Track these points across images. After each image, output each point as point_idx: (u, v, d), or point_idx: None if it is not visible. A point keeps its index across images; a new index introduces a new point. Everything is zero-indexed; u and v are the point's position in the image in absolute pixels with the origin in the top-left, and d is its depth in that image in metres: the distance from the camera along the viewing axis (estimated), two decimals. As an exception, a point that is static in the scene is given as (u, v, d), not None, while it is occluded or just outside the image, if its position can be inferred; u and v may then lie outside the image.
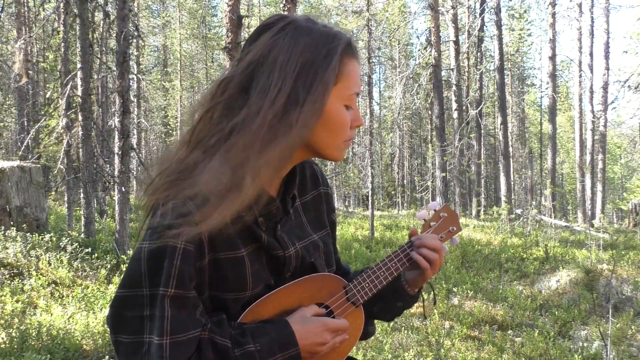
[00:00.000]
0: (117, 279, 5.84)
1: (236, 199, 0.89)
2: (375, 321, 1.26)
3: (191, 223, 0.88)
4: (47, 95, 13.51)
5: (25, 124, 16.20)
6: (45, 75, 19.15)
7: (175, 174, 0.94)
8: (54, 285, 5.39)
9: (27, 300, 4.82)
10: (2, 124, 18.51)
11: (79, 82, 8.54)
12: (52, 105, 11.50)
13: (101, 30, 11.73)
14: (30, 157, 12.06)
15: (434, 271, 1.13)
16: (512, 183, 24.82)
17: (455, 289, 6.59)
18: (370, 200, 11.69)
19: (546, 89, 29.47)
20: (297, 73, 0.92)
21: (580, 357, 4.35)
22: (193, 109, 1.01)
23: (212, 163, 0.91)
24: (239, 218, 0.95)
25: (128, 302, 0.90)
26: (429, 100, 21.08)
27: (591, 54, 20.92)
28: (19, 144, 15.21)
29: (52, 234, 6.93)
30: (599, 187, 20.46)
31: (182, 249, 0.88)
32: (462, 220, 14.58)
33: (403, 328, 5.06)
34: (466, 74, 22.10)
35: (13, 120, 19.25)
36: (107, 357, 3.67)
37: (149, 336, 0.88)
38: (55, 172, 12.26)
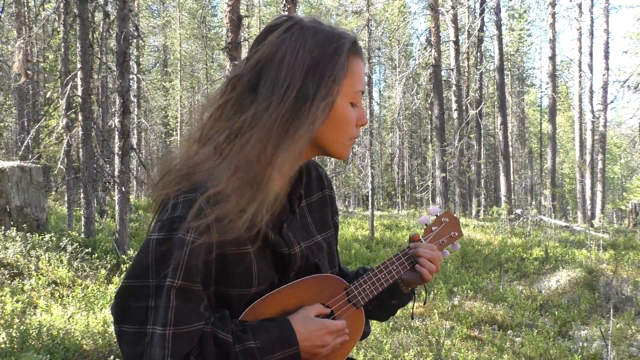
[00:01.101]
0: (117, 279, 5.85)
1: (262, 196, 0.92)
2: (373, 321, 1.27)
3: (210, 220, 0.90)
4: (47, 95, 13.50)
5: (25, 124, 16.19)
6: (45, 75, 19.14)
7: (186, 169, 0.95)
8: (54, 285, 5.40)
9: (27, 300, 4.82)
10: (2, 124, 18.48)
11: (79, 82, 8.53)
12: (52, 105, 11.50)
13: (101, 30, 11.71)
14: (30, 157, 12.05)
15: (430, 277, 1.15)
16: (512, 183, 24.82)
17: (455, 289, 6.59)
18: (370, 200, 11.69)
19: (546, 89, 29.51)
20: (305, 70, 0.95)
21: (580, 357, 4.35)
22: (203, 107, 1.03)
23: (226, 161, 0.93)
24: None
25: (134, 292, 0.91)
26: (429, 100, 21.10)
27: (591, 54, 20.93)
28: (19, 144, 15.21)
29: (52, 234, 6.93)
30: (599, 187, 20.47)
31: (190, 241, 0.89)
32: (462, 220, 14.57)
33: (403, 328, 5.06)
34: (466, 74, 22.10)
35: (13, 120, 19.24)
36: (112, 357, 3.67)
37: (153, 327, 0.89)
38: (55, 172, 12.26)
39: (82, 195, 8.66)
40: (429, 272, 1.12)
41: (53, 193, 15.20)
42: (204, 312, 0.93)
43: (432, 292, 6.39)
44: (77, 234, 7.77)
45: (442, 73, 17.89)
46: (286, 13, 5.97)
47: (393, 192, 30.30)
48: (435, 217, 1.24)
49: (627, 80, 19.79)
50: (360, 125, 1.05)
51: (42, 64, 17.26)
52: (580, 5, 21.29)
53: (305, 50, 0.96)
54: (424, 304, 1.39)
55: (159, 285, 0.89)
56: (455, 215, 1.27)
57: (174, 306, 0.88)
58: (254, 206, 0.91)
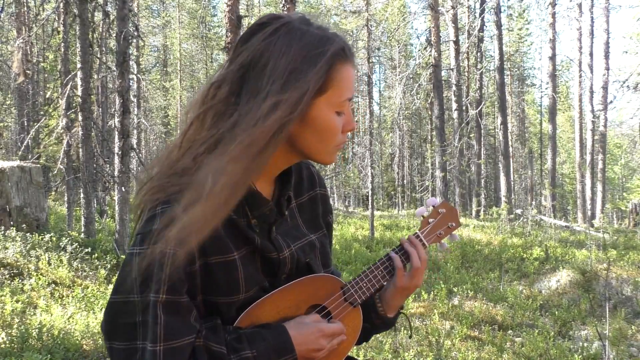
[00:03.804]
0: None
1: (207, 203, 0.86)
2: None
3: (177, 234, 0.86)
4: (47, 95, 13.51)
5: (25, 124, 16.19)
6: (45, 75, 19.14)
7: (165, 178, 0.93)
8: (54, 285, 5.39)
9: (27, 300, 4.82)
10: (2, 124, 18.48)
11: (79, 82, 8.53)
12: (52, 105, 11.50)
13: (101, 30, 11.72)
14: (30, 157, 12.05)
15: (417, 281, 1.13)
16: (512, 183, 24.81)
17: (455, 289, 6.59)
18: (370, 200, 11.69)
19: (546, 89, 29.49)
20: (285, 79, 0.90)
21: (580, 357, 4.35)
22: (186, 111, 1.00)
23: (201, 172, 0.90)
24: (230, 221, 0.94)
25: (120, 308, 0.89)
26: (429, 100, 21.10)
27: (591, 54, 20.92)
28: (19, 144, 15.20)
29: (52, 234, 6.93)
30: (599, 187, 20.46)
31: (171, 254, 0.87)
32: (462, 220, 14.57)
33: (403, 328, 5.06)
34: (466, 74, 22.10)
35: (13, 120, 19.24)
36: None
37: (143, 342, 0.87)
38: (55, 172, 12.26)
39: (82, 195, 8.66)
40: (419, 262, 1.12)
41: (53, 193, 15.19)
42: (194, 323, 0.91)
43: (432, 292, 6.39)
44: (77, 234, 7.77)
45: (442, 73, 17.89)
46: (282, 12, 5.96)
47: (393, 192, 30.30)
48: (432, 208, 1.23)
49: (627, 80, 19.78)
50: (348, 131, 1.01)
51: (42, 64, 17.25)
52: (580, 5, 21.28)
53: (288, 58, 0.90)
54: (410, 337, 1.37)
55: (144, 300, 0.87)
56: (452, 205, 1.25)
57: (162, 321, 0.87)
58: (192, 217, 0.86)
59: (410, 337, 1.24)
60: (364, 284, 1.10)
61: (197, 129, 0.95)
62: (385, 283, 1.14)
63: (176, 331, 0.88)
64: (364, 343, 4.53)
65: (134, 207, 0.96)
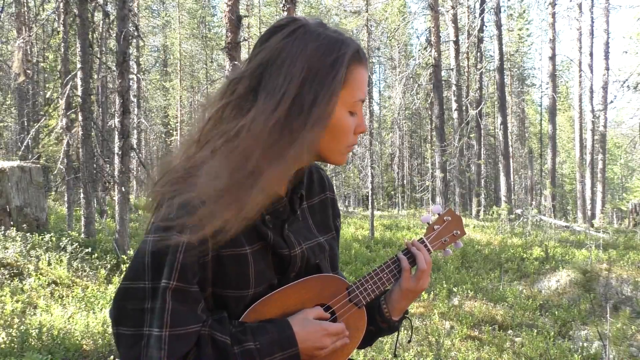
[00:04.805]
0: (117, 279, 5.85)
1: (238, 207, 0.90)
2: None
3: (193, 223, 0.89)
4: (47, 95, 13.50)
5: (25, 124, 16.20)
6: (45, 75, 19.15)
7: (183, 170, 0.95)
8: (53, 285, 5.39)
9: (27, 300, 4.82)
10: (2, 124, 18.50)
11: (79, 82, 8.54)
12: (52, 105, 11.50)
13: (101, 30, 11.72)
14: (30, 157, 12.05)
15: (422, 284, 1.14)
16: (512, 183, 24.83)
17: (455, 289, 6.59)
18: (370, 200, 11.69)
19: (546, 89, 29.47)
20: (302, 78, 0.93)
21: (580, 357, 4.35)
22: (204, 108, 1.03)
23: (211, 164, 0.92)
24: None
25: (130, 293, 0.91)
26: (429, 100, 21.10)
27: (591, 54, 20.94)
28: (19, 144, 15.21)
29: (52, 234, 6.93)
30: (599, 187, 20.47)
31: (185, 243, 0.89)
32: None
33: (403, 328, 5.06)
34: (466, 74, 22.10)
35: (13, 120, 19.25)
36: (112, 357, 3.68)
37: (149, 329, 0.89)
38: (55, 172, 12.26)
39: (82, 195, 8.66)
40: (425, 264, 1.13)
41: (53, 193, 15.19)
42: (201, 314, 0.93)
43: (431, 292, 6.40)
44: (77, 234, 7.78)
45: (442, 73, 17.89)
46: (286, 13, 5.97)
47: (393, 192, 30.31)
48: (437, 215, 1.24)
49: (627, 80, 19.79)
50: (359, 132, 1.03)
51: (42, 64, 17.27)
52: (580, 5, 21.29)
53: (304, 57, 0.94)
54: (409, 341, 1.38)
55: (154, 287, 0.89)
56: (457, 213, 1.27)
57: (170, 308, 0.88)
58: (226, 215, 0.90)
59: (409, 341, 1.25)
60: (369, 286, 1.10)
61: (215, 123, 0.98)
62: (390, 286, 1.14)
63: (183, 319, 0.89)
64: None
65: (150, 199, 0.98)
